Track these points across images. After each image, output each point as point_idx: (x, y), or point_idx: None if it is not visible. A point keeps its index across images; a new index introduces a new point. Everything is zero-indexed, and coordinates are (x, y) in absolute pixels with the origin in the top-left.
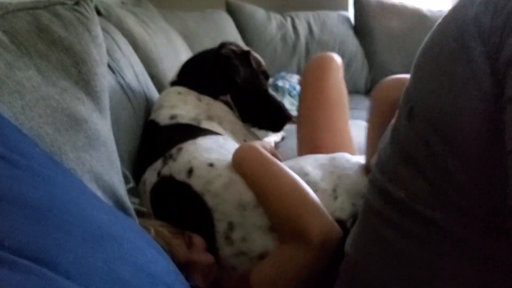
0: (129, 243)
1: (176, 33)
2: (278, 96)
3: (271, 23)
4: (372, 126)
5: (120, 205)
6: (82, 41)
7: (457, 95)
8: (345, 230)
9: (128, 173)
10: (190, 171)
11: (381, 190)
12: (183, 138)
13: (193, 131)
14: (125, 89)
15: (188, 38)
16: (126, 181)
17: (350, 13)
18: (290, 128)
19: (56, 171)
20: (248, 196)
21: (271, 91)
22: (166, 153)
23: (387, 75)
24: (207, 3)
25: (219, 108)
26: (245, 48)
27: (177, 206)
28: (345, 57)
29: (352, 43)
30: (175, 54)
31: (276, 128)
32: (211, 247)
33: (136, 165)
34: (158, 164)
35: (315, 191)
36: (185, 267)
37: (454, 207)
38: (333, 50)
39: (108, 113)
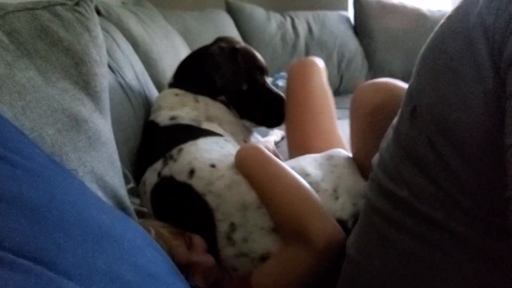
0: (129, 243)
1: (176, 33)
2: None
3: (270, 23)
4: (351, 130)
5: (120, 206)
6: (82, 41)
7: (461, 93)
8: (346, 231)
9: (128, 173)
10: (191, 172)
11: (383, 190)
12: (184, 139)
13: (193, 132)
14: (125, 89)
15: (188, 38)
16: (127, 181)
17: (350, 13)
18: None
19: (56, 171)
20: (250, 197)
21: (270, 85)
22: (166, 153)
23: (387, 75)
24: (207, 3)
25: (218, 108)
26: (242, 43)
27: (177, 207)
28: (345, 57)
29: (352, 43)
30: (175, 54)
31: (275, 123)
32: (212, 247)
33: (136, 165)
34: (158, 164)
35: (317, 191)
36: (185, 268)
37: (457, 207)
38: (332, 50)
39: (108, 113)
